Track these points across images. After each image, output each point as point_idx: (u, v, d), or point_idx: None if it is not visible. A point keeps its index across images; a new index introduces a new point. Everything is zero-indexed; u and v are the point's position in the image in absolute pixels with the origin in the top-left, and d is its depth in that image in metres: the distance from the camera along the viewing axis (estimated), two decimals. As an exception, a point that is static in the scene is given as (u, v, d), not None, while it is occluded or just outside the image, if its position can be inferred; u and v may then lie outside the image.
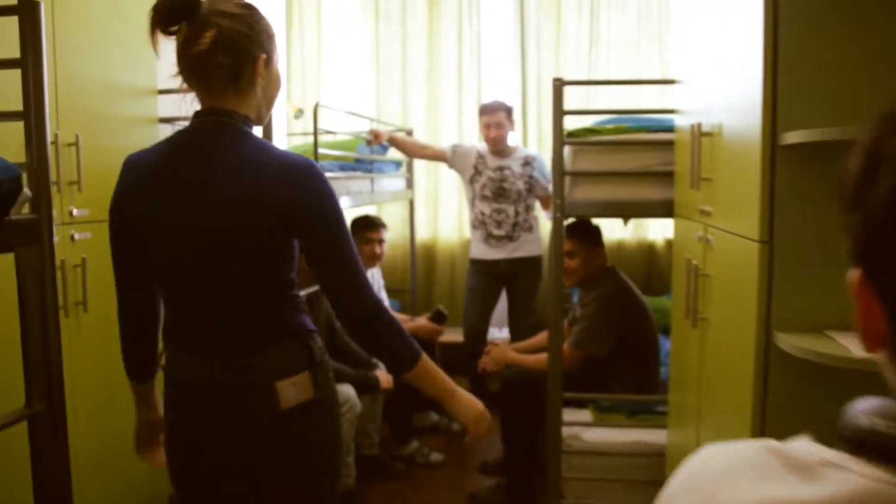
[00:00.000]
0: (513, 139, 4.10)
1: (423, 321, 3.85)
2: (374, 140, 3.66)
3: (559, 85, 2.29)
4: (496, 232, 4.02)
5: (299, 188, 1.33)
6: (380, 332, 1.39)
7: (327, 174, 2.99)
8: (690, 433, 1.92)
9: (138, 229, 1.38)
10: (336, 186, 3.10)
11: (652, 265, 4.54)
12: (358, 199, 3.44)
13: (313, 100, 4.65)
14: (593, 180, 2.34)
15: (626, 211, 2.41)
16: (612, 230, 4.51)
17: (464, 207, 4.67)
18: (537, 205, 4.13)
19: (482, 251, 4.07)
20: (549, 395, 2.52)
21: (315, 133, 2.84)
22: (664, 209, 2.28)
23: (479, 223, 4.05)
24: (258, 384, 1.35)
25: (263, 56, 1.37)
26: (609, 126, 2.40)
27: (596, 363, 2.92)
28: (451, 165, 4.09)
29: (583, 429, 2.69)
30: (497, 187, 3.98)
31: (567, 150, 2.34)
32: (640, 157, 2.32)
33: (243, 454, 1.39)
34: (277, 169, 1.32)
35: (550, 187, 4.08)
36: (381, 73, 4.73)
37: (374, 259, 3.74)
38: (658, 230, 4.52)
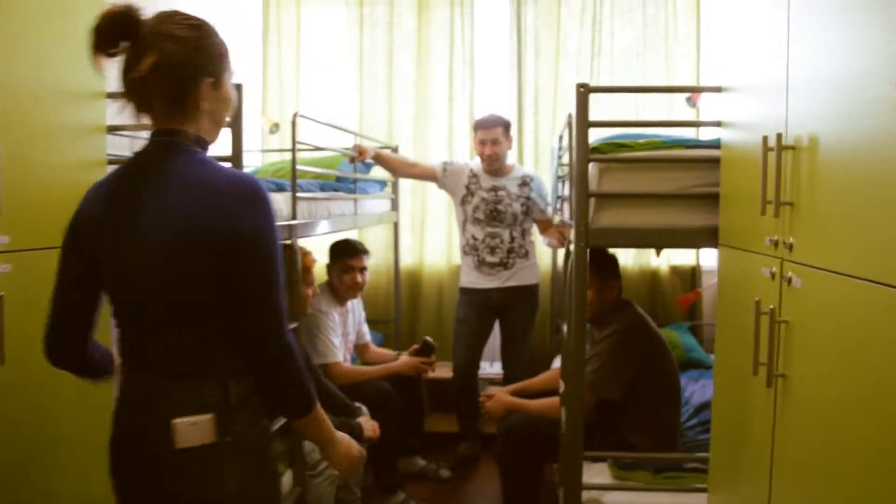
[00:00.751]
0: (509, 157, 3.76)
1: (406, 358, 3.46)
2: (359, 157, 3.29)
3: (584, 92, 1.95)
4: (489, 258, 3.66)
5: (235, 213, 1.30)
6: (285, 378, 1.37)
7: (305, 194, 2.63)
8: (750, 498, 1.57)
9: (88, 254, 1.36)
10: (316, 209, 2.73)
11: (655, 294, 4.20)
12: (339, 223, 3.06)
13: (291, 113, 4.29)
14: (622, 203, 1.98)
15: (660, 240, 2.06)
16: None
17: (453, 231, 4.31)
18: (534, 229, 3.80)
19: (474, 279, 3.71)
20: (566, 452, 2.15)
21: (293, 148, 2.47)
22: (706, 238, 1.94)
23: (470, 248, 3.69)
24: (158, 416, 1.31)
25: (209, 80, 1.35)
26: (640, 141, 2.06)
27: (608, 407, 2.57)
28: (441, 185, 3.73)
29: (601, 491, 2.31)
30: (491, 209, 3.63)
31: (592, 168, 1.99)
32: (676, 176, 1.98)
33: (146, 487, 1.36)
34: (218, 190, 1.31)
35: (549, 210, 3.76)
36: (366, 85, 4.38)
37: (354, 289, 3.35)
38: (662, 256, 4.19)
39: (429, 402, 4.27)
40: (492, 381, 4.19)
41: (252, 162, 4.20)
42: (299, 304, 2.47)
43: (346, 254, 3.36)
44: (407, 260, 4.41)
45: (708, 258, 4.22)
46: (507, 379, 3.81)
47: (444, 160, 3.76)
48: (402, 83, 4.35)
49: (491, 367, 4.24)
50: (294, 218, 2.46)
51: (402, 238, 4.32)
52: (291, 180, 2.46)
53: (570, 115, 2.52)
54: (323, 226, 2.74)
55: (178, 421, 1.30)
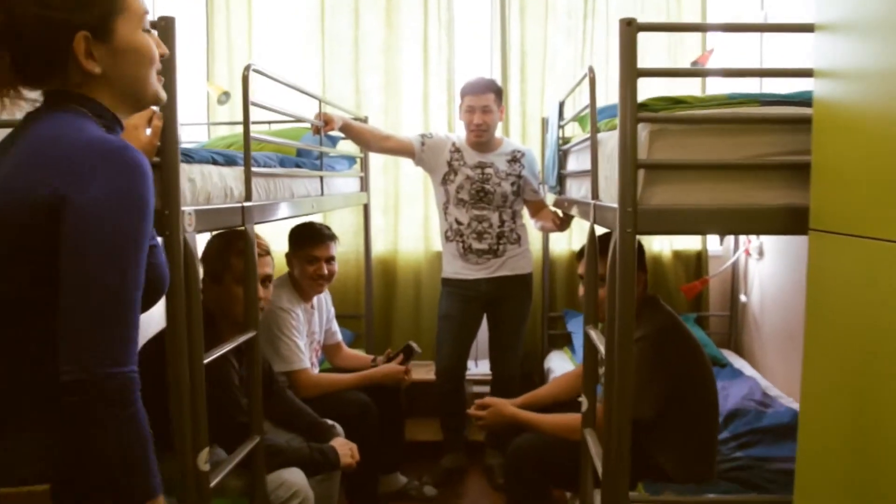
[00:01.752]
0: (498, 130, 3.28)
1: (392, 366, 2.98)
2: (326, 126, 2.77)
3: (632, 29, 1.48)
4: (476, 245, 3.18)
5: (70, 179, 1.00)
6: (89, 445, 0.96)
7: (263, 169, 2.11)
8: None
9: None
10: (276, 188, 2.21)
11: (657, 281, 3.77)
12: (302, 206, 2.55)
13: (238, 81, 3.74)
14: (679, 177, 1.52)
15: (731, 224, 1.58)
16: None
17: (431, 214, 3.82)
18: (525, 212, 3.33)
19: (458, 269, 3.23)
20: (609, 492, 1.70)
21: (245, 108, 1.94)
22: (789, 221, 1.49)
23: (454, 234, 3.21)
24: None
25: (84, 33, 1.07)
26: (700, 96, 1.59)
27: (635, 427, 2.12)
28: (419, 162, 3.23)
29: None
30: (478, 189, 3.15)
31: (640, 130, 1.52)
32: (749, 142, 1.52)
33: None
34: (61, 154, 1.02)
35: (543, 190, 3.30)
36: (329, 49, 3.83)
37: (320, 283, 2.85)
38: (664, 239, 3.77)
39: (407, 407, 3.80)
40: (477, 383, 3.73)
41: (196, 137, 3.65)
42: (253, 308, 1.96)
43: (310, 241, 2.85)
44: (379, 247, 3.91)
45: (714, 243, 3.81)
46: (496, 381, 3.37)
47: (423, 132, 3.25)
48: (369, 47, 3.82)
49: (477, 367, 3.78)
50: (248, 198, 1.94)
51: (373, 222, 3.82)
52: (244, 151, 1.94)
53: (590, 69, 2.06)
54: (283, 209, 2.22)
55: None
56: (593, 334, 1.91)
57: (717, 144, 1.52)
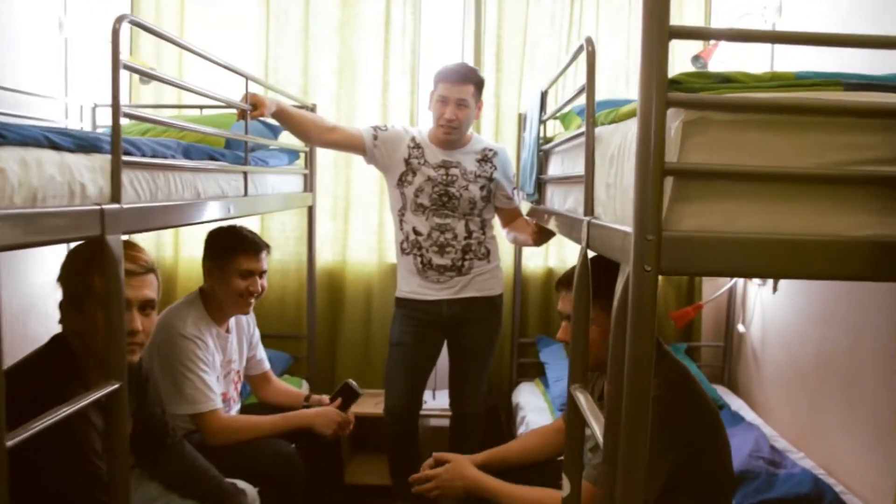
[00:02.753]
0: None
1: (327, 408, 2.44)
2: (254, 111, 2.24)
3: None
4: (437, 260, 2.67)
5: None
6: None
7: (140, 158, 1.47)
8: None
9: None
10: (168, 185, 1.65)
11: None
12: (230, 206, 2.03)
13: (172, 59, 3.19)
14: (722, 190, 1.02)
15: (798, 264, 1.05)
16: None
17: (386, 219, 3.30)
18: (496, 222, 2.83)
19: (415, 287, 2.71)
20: None
21: (115, 72, 1.40)
22: (880, 263, 1.00)
23: (411, 246, 2.69)
24: None
25: None
26: (756, 73, 1.09)
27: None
28: (371, 159, 2.71)
29: None
30: (440, 193, 2.64)
31: (671, 121, 1.01)
32: (827, 141, 1.02)
33: None
34: None
35: (518, 196, 2.80)
36: (274, 26, 3.29)
37: (249, 301, 2.33)
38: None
39: (351, 441, 3.28)
40: (433, 417, 3.22)
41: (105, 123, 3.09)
42: (117, 349, 1.42)
43: (241, 250, 2.32)
44: (325, 256, 3.38)
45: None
46: (456, 420, 2.86)
47: (376, 124, 2.72)
48: (321, 25, 3.29)
49: (434, 400, 3.26)
50: (116, 198, 1.41)
51: (319, 227, 3.29)
52: (112, 133, 1.40)
53: (587, 41, 1.55)
54: (178, 213, 1.69)
55: None
56: (581, 399, 1.40)
57: (779, 144, 1.03)
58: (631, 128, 1.21)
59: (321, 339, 3.33)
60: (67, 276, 1.58)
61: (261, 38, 3.29)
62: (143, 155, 1.59)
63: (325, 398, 2.54)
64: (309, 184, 3.11)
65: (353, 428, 2.50)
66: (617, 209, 1.25)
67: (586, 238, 1.42)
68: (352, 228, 3.37)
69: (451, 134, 2.58)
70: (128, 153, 1.52)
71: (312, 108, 3.09)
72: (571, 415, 1.52)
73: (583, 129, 1.53)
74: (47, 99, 2.77)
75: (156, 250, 3.33)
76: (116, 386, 1.42)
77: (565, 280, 1.80)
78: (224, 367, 2.38)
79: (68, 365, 1.57)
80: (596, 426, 1.27)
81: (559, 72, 1.91)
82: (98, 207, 1.34)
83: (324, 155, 3.24)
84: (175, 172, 1.72)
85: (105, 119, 3.00)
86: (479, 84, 2.60)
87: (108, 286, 1.39)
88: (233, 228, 2.39)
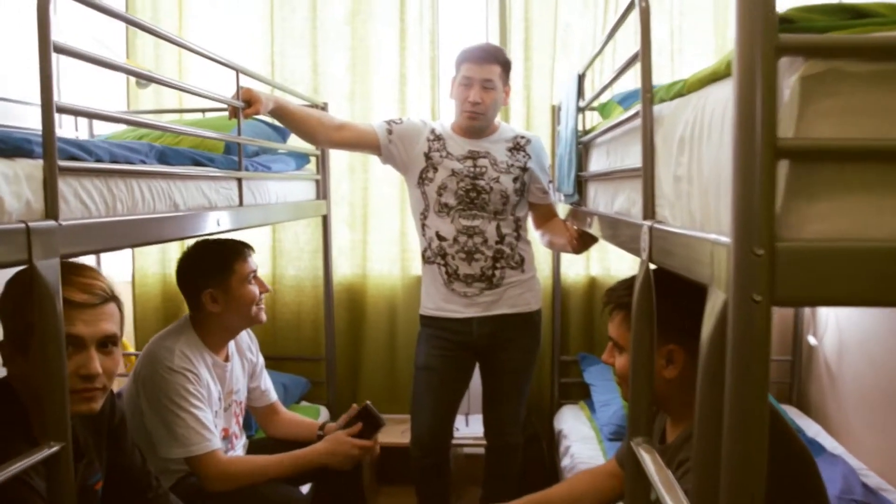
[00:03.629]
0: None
1: (341, 439, 2.11)
2: (248, 109, 1.95)
3: None
4: (465, 269, 2.35)
5: None
6: None
7: (85, 164, 1.08)
8: None
9: None
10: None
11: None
12: (218, 219, 1.74)
13: (169, 61, 2.93)
14: (862, 179, 0.68)
15: None
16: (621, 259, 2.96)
17: (410, 227, 3.00)
18: (531, 226, 2.50)
19: (440, 303, 2.40)
20: None
21: (44, 59, 1.11)
22: None
23: (434, 254, 2.38)
24: None
25: None
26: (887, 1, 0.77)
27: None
28: (387, 158, 2.40)
29: None
30: (467, 188, 2.32)
31: (785, 78, 0.68)
32: None
33: None
34: None
35: (553, 190, 2.48)
36: (279, 19, 3.02)
37: (260, 306, 2.09)
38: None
39: (376, 473, 2.97)
40: (467, 447, 2.90)
41: (112, 127, 2.85)
42: (60, 401, 1.13)
43: (234, 257, 2.02)
44: (344, 270, 3.08)
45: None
46: (491, 452, 2.53)
47: (390, 118, 2.41)
48: (330, 16, 3.01)
49: (467, 427, 2.94)
50: (52, 214, 1.12)
51: (335, 238, 3.00)
52: (43, 133, 1.11)
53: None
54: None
55: None
56: (648, 461, 1.07)
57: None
58: (712, 96, 0.88)
59: (341, 362, 3.04)
60: (5, 311, 1.29)
61: (265, 33, 3.02)
62: (99, 160, 1.31)
63: (334, 424, 2.25)
64: (322, 190, 2.82)
65: (377, 454, 2.18)
66: (694, 210, 0.92)
67: (648, 248, 1.09)
68: (372, 238, 3.07)
69: (477, 119, 2.27)
70: (74, 157, 1.24)
71: (324, 107, 2.80)
72: (633, 475, 1.18)
73: (635, 110, 1.20)
74: (34, 107, 2.53)
75: (161, 267, 3.07)
76: (56, 449, 1.13)
77: (616, 297, 1.46)
78: (225, 399, 2.09)
79: (11, 416, 1.29)
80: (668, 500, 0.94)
81: (602, 43, 1.58)
82: (22, 225, 1.05)
83: (338, 158, 2.95)
84: (142, 180, 1.43)
85: (105, 128, 2.76)
86: (505, 65, 2.28)
87: (41, 325, 1.10)
88: (206, 243, 2.08)
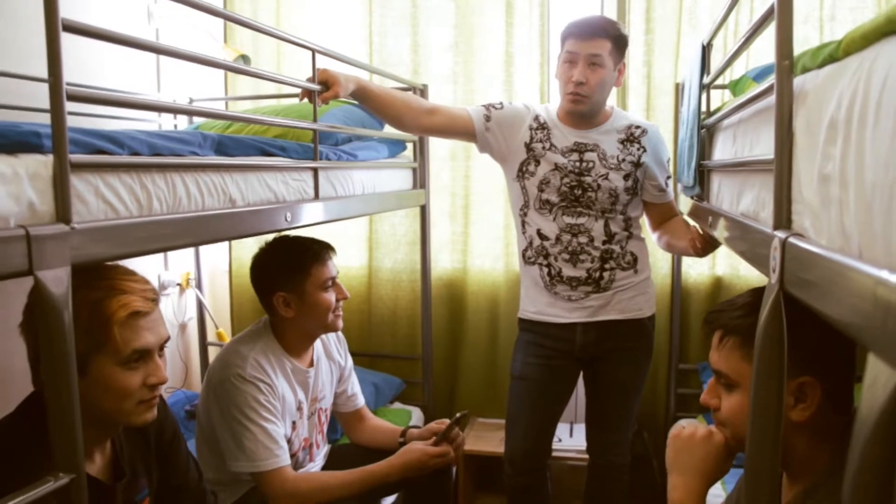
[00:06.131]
0: (611, 99, 2.16)
1: (419, 449, 1.92)
2: (325, 92, 1.78)
3: None
4: (569, 271, 2.09)
5: None
6: None
7: (120, 158, 0.88)
8: None
9: None
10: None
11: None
12: (287, 214, 1.60)
13: (267, 47, 2.85)
14: None
15: None
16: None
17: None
18: (644, 221, 2.20)
19: (542, 307, 2.15)
20: None
21: (52, 42, 0.97)
22: None
23: (535, 254, 2.14)
24: None
25: None
26: None
27: None
28: (483, 146, 2.16)
29: None
30: (572, 184, 2.06)
31: None
32: None
33: None
34: None
35: (670, 189, 2.17)
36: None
37: (337, 314, 1.93)
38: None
39: (474, 480, 2.78)
40: (570, 460, 2.65)
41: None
42: (71, 429, 1.00)
43: (311, 261, 1.87)
44: (443, 264, 2.89)
45: None
46: (594, 472, 2.27)
47: (490, 102, 2.18)
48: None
49: (571, 438, 2.69)
50: (63, 217, 0.98)
51: (435, 230, 2.81)
52: (53, 127, 0.97)
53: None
54: (199, 228, 1.26)
55: None
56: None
57: None
58: (884, 56, 0.60)
59: (439, 362, 2.86)
60: (30, 327, 1.18)
61: (364, 13, 2.85)
62: (135, 153, 1.17)
63: (417, 430, 2.08)
64: (419, 179, 2.63)
65: (454, 458, 1.97)
66: (848, 226, 0.64)
67: (780, 269, 0.81)
68: (474, 231, 2.86)
69: (582, 103, 1.99)
70: (101, 151, 1.10)
71: (423, 90, 2.61)
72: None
73: (769, 82, 0.92)
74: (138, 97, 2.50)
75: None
76: (65, 481, 0.99)
77: (726, 319, 1.15)
78: (309, 406, 1.95)
79: (40, 436, 1.18)
80: None
81: (727, 10, 1.28)
82: (20, 231, 0.91)
83: (438, 145, 2.75)
84: (187, 174, 1.28)
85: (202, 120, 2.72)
86: (618, 40, 1.99)
87: (46, 345, 0.97)
88: (282, 241, 1.93)
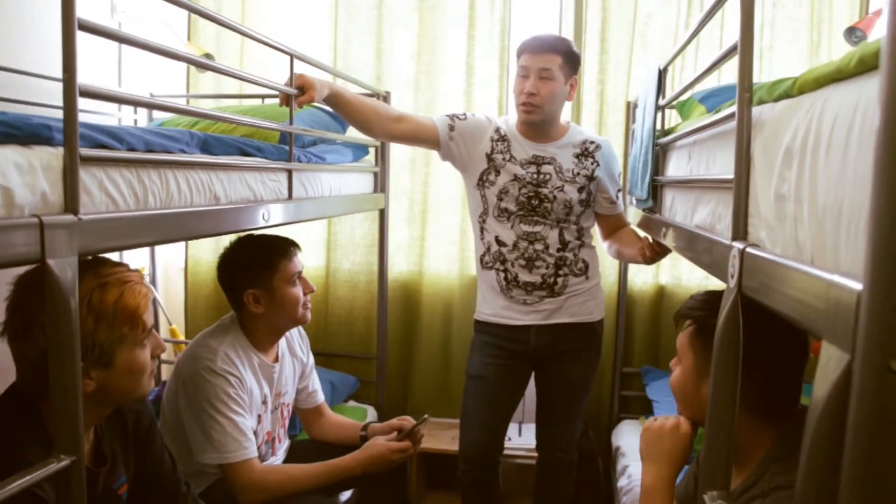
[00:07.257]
0: (565, 114, 2.29)
1: (381, 444, 1.99)
2: (301, 96, 1.85)
3: None
4: (525, 276, 2.20)
5: None
6: None
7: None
8: None
9: None
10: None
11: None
12: (264, 212, 1.65)
13: (230, 46, 2.87)
14: None
15: None
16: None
17: (470, 227, 2.85)
18: (596, 230, 2.33)
19: (498, 310, 2.25)
20: None
21: (67, 42, 1.02)
22: None
23: (493, 259, 2.24)
24: None
25: None
26: None
27: None
28: (446, 154, 2.26)
29: None
30: (529, 195, 2.17)
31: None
32: None
33: None
34: None
35: (621, 201, 2.31)
36: (343, 5, 2.91)
37: (306, 306, 1.99)
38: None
39: (425, 478, 2.86)
40: (519, 458, 2.75)
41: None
42: (73, 413, 1.04)
43: (278, 257, 1.92)
44: (400, 267, 2.97)
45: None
46: (543, 469, 2.38)
47: (453, 112, 2.28)
48: (398, 2, 2.88)
49: (520, 437, 2.80)
50: (71, 207, 1.03)
51: (392, 234, 2.89)
52: (65, 121, 1.02)
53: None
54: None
55: None
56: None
57: None
58: (833, 99, 0.71)
59: (393, 362, 2.94)
60: (13, 311, 1.21)
61: (329, 18, 2.92)
62: (132, 149, 1.22)
63: (378, 425, 2.15)
64: (380, 184, 2.70)
65: (411, 452, 2.04)
66: (802, 239, 0.75)
67: (738, 275, 0.92)
68: (430, 235, 2.95)
69: (533, 113, 2.11)
70: (102, 146, 1.15)
71: (385, 96, 2.69)
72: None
73: (729, 111, 1.03)
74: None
75: (214, 255, 3.02)
76: (66, 462, 1.04)
77: (690, 312, 1.30)
78: (274, 400, 2.00)
79: (29, 421, 1.22)
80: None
81: (691, 33, 1.41)
82: (34, 220, 0.96)
83: (398, 151, 2.83)
84: (179, 171, 1.34)
85: (164, 116, 2.72)
86: (568, 55, 2.11)
87: (54, 330, 1.01)
88: (248, 240, 1.98)
